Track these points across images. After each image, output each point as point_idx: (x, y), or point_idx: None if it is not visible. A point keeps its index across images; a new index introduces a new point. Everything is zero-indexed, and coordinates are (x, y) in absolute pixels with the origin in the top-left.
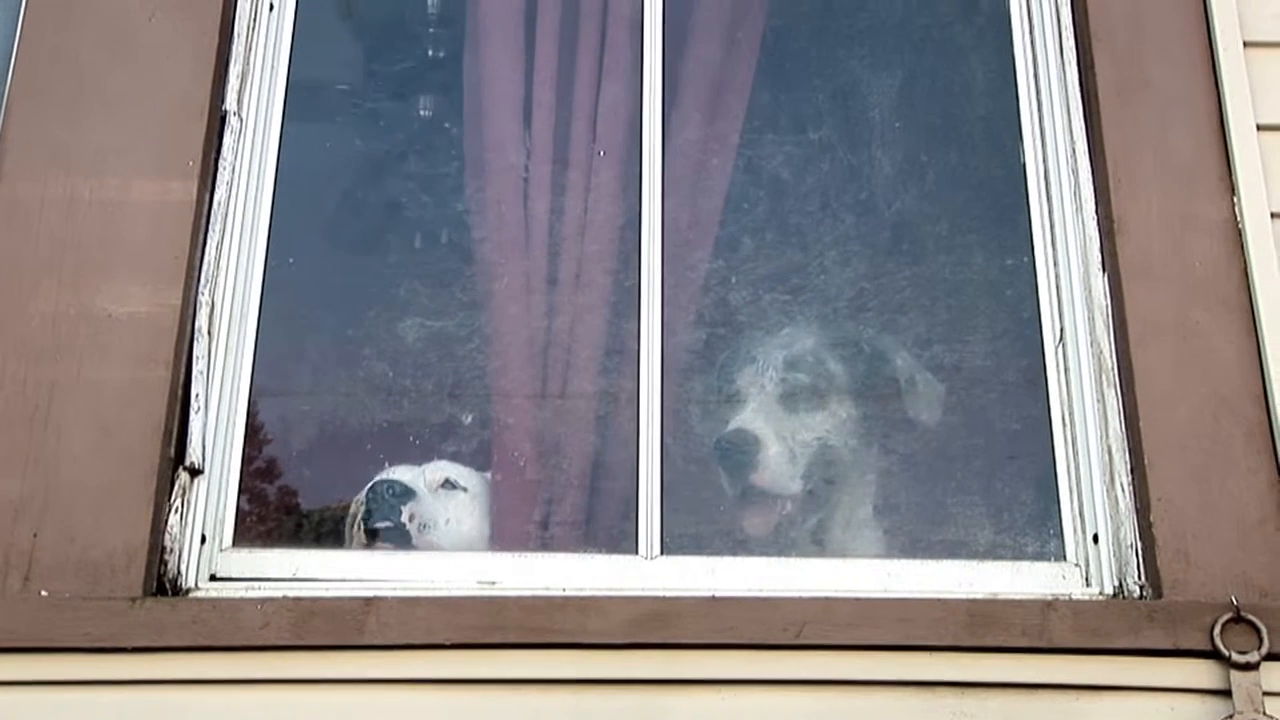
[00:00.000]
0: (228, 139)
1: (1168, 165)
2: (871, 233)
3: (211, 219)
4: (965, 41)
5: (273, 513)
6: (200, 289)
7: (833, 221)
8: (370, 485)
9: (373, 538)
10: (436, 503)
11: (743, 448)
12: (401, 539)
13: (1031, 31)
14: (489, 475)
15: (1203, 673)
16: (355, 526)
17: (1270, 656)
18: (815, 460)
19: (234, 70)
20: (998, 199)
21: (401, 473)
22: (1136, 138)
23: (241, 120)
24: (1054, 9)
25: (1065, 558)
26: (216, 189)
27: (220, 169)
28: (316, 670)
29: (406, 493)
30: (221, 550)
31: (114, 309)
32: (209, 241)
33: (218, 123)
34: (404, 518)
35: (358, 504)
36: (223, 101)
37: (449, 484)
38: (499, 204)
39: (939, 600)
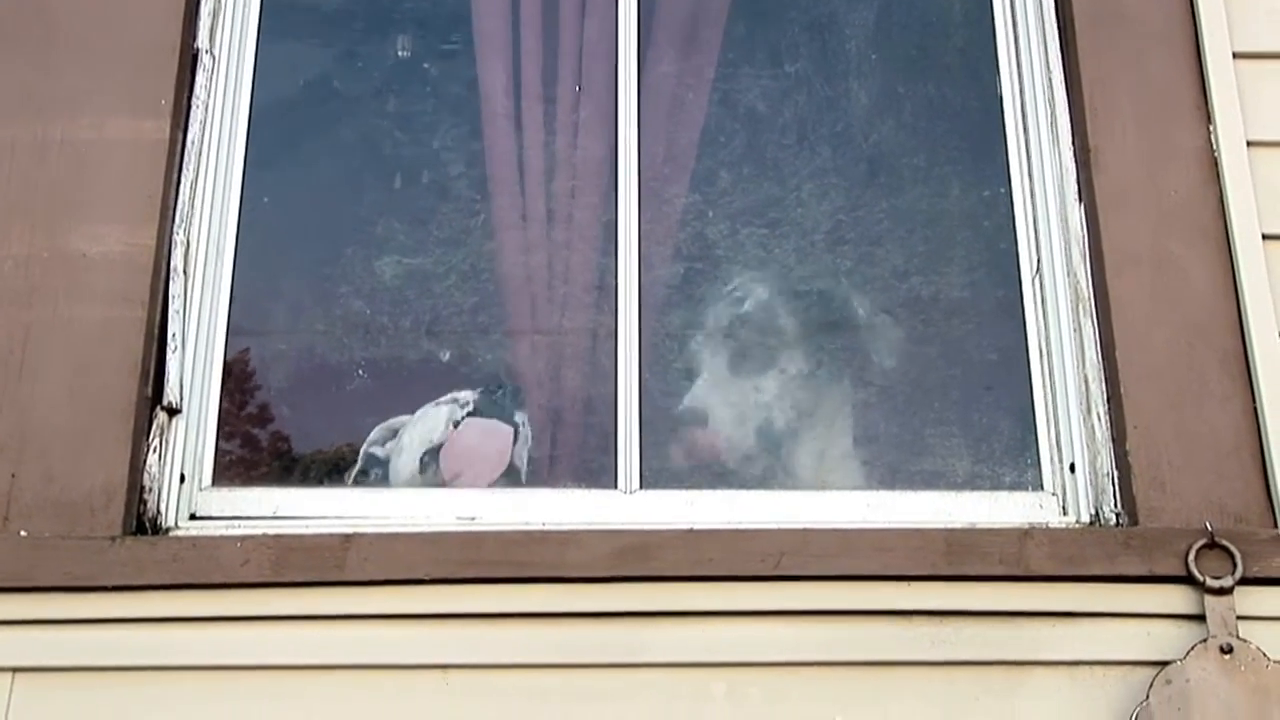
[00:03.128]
0: (200, 77)
1: (1144, 94)
2: (848, 165)
3: (185, 157)
4: None
5: (252, 451)
6: (175, 228)
7: (809, 155)
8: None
9: None
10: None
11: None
12: None
13: None
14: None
15: (1178, 598)
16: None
17: (1244, 581)
18: (791, 393)
19: (205, 8)
20: (974, 130)
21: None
22: (1113, 67)
23: (214, 58)
24: None
25: (1042, 487)
26: (190, 127)
27: (193, 107)
28: (296, 606)
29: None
30: (201, 489)
31: (88, 249)
32: (183, 180)
33: (190, 61)
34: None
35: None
36: (194, 39)
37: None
38: (477, 141)
39: (917, 530)
